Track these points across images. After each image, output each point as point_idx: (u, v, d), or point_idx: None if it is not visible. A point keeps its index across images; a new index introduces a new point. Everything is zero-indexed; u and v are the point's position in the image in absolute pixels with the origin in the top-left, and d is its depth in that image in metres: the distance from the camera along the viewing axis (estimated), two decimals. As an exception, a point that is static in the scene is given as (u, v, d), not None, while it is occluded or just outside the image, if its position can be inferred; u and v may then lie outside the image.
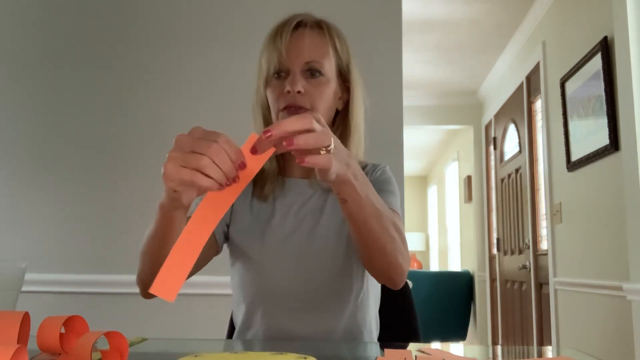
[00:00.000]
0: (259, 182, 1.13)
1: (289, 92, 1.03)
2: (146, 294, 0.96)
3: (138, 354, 0.79)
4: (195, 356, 0.68)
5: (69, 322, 0.71)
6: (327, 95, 1.07)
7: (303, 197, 1.11)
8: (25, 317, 0.64)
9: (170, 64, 2.12)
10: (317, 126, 0.70)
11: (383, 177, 1.12)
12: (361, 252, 0.93)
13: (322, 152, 0.71)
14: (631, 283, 2.06)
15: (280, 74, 1.06)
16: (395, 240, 0.90)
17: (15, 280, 0.86)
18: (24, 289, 0.89)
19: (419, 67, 4.45)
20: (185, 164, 0.67)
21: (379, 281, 1.03)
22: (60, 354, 0.68)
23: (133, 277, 2.18)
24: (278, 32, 1.06)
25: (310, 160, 0.69)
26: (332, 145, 0.72)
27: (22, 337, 0.64)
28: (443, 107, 5.29)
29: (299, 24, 1.07)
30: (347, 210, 0.84)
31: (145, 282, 0.96)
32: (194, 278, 1.84)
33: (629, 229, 2.07)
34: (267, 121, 1.12)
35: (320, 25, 1.09)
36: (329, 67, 1.07)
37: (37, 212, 2.06)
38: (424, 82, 4.85)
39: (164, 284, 0.61)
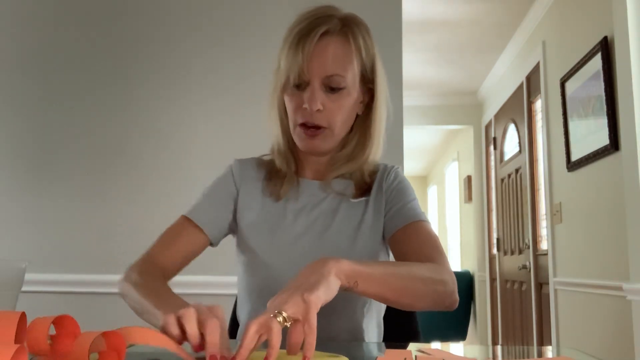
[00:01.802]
0: (275, 180, 1.11)
1: (306, 108, 1.00)
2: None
3: (137, 354, 0.79)
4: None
5: (59, 322, 0.70)
6: (347, 107, 1.04)
7: (316, 199, 1.09)
8: (22, 318, 0.64)
9: (172, 64, 2.11)
10: (256, 328, 0.67)
11: (399, 185, 1.10)
12: (402, 308, 0.95)
13: (286, 323, 0.69)
14: (631, 283, 2.06)
15: (299, 85, 1.02)
16: (430, 285, 0.91)
17: (15, 280, 0.86)
18: (24, 289, 0.89)
19: (419, 67, 4.45)
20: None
21: None
22: (48, 356, 0.68)
23: (133, 277, 2.15)
24: (300, 41, 1.00)
25: (309, 352, 0.67)
26: (283, 315, 0.68)
27: (19, 337, 0.64)
28: (443, 107, 5.29)
29: (323, 33, 1.01)
30: (365, 292, 0.84)
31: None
32: (194, 278, 1.83)
33: (629, 229, 2.07)
34: (283, 123, 1.10)
35: (345, 32, 1.03)
36: (352, 77, 1.03)
37: (37, 212, 2.06)
38: (424, 82, 4.85)
39: None
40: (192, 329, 0.67)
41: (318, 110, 1.01)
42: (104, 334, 0.67)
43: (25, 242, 2.04)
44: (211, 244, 1.10)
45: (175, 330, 0.68)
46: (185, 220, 1.07)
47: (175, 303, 0.81)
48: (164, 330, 0.70)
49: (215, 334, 0.65)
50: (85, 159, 2.08)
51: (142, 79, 2.11)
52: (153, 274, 0.98)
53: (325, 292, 0.73)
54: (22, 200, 2.07)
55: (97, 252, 2.04)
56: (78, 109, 2.11)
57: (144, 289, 0.90)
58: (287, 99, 1.05)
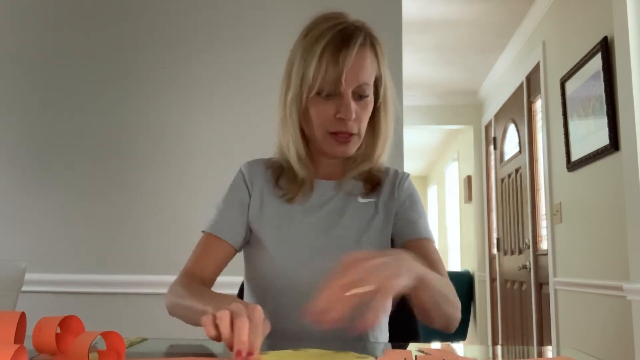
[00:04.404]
0: (290, 185, 1.12)
1: (341, 117, 1.02)
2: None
3: (137, 354, 0.79)
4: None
5: (65, 322, 0.71)
6: (369, 112, 1.08)
7: (325, 197, 1.12)
8: (22, 318, 0.64)
9: (177, 64, 2.12)
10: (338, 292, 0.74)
11: (413, 197, 1.13)
12: (424, 320, 0.98)
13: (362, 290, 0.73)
14: (631, 283, 2.06)
15: (329, 94, 1.03)
16: (452, 305, 0.95)
17: (15, 280, 0.86)
18: (24, 289, 0.89)
19: (419, 67, 4.45)
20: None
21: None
22: (56, 354, 0.68)
23: (133, 277, 2.17)
24: (339, 53, 1.00)
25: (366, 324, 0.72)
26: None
27: (19, 337, 0.64)
28: (443, 107, 5.29)
29: (356, 42, 1.02)
30: (418, 299, 0.88)
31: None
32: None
33: (629, 229, 2.07)
34: (303, 130, 1.09)
35: (372, 43, 1.05)
36: (372, 84, 1.07)
37: (38, 212, 2.06)
38: (424, 82, 4.85)
39: None
40: (225, 330, 0.71)
41: (353, 119, 1.04)
42: (104, 334, 0.67)
43: (25, 242, 2.04)
44: (236, 250, 1.14)
45: (212, 331, 0.72)
46: (210, 236, 1.11)
47: (218, 300, 0.85)
48: (205, 330, 0.74)
49: (243, 333, 0.68)
50: (86, 159, 2.08)
51: (142, 78, 2.11)
52: (195, 282, 1.04)
53: (402, 288, 0.77)
54: (22, 200, 2.07)
55: (97, 252, 2.04)
56: (77, 109, 2.11)
57: (189, 296, 0.95)
58: (314, 108, 1.05)
